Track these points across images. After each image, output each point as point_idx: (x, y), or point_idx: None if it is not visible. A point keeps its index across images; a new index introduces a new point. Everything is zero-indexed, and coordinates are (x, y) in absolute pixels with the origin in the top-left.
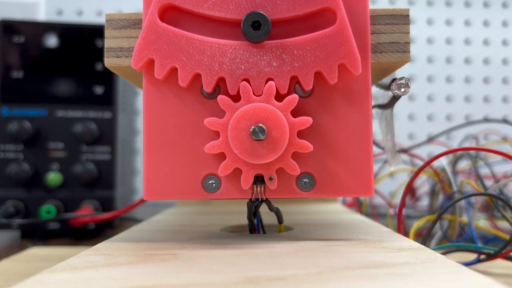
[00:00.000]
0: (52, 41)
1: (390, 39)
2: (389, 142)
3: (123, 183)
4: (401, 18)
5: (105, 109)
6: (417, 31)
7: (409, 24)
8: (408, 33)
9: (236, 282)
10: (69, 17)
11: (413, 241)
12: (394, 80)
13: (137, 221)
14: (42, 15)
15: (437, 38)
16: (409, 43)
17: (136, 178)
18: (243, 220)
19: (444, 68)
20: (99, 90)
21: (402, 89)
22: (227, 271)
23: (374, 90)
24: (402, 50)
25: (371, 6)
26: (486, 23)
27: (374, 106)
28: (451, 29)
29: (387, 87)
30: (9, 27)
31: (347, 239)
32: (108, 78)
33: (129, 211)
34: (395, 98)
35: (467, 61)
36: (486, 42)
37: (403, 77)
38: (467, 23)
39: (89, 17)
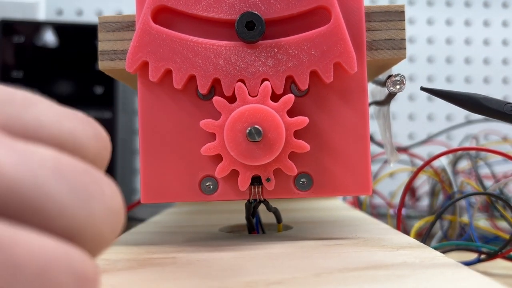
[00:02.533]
0: (51, 40)
1: (385, 36)
2: (387, 139)
3: (122, 183)
4: (396, 15)
5: (105, 109)
6: (417, 31)
7: (404, 20)
8: (404, 29)
9: (234, 287)
10: (69, 17)
11: (412, 238)
12: (389, 77)
13: (137, 220)
14: (42, 15)
15: (437, 38)
16: (404, 39)
17: (136, 178)
18: (242, 219)
19: (444, 68)
20: (99, 90)
21: (398, 86)
22: (226, 276)
23: (372, 87)
24: (397, 47)
25: (366, 2)
26: (486, 23)
27: (371, 103)
28: (451, 29)
29: (383, 84)
30: (9, 27)
31: (346, 237)
32: (108, 78)
33: (129, 211)
34: (391, 95)
35: (467, 61)
36: (486, 42)
37: (398, 74)
38: (467, 23)
39: (89, 17)
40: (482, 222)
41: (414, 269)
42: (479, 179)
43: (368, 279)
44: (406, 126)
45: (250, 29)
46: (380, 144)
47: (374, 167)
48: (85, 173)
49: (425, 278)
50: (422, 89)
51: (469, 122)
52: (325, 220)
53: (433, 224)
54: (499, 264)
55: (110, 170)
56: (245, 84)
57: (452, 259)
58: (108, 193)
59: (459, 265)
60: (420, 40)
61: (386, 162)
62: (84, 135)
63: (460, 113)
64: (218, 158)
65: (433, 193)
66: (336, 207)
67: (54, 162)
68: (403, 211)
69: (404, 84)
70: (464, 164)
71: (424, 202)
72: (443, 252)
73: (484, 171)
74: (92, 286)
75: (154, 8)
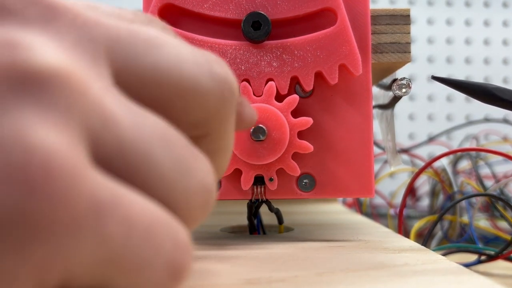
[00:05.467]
0: None
1: (390, 39)
2: (390, 142)
3: None
4: (402, 18)
5: None
6: (417, 30)
7: (409, 24)
8: (409, 33)
9: (236, 284)
10: None
11: (413, 241)
12: (395, 80)
13: None
14: None
15: (438, 38)
16: (409, 43)
17: None
18: (244, 220)
19: (444, 67)
20: None
21: (403, 90)
22: (227, 273)
23: (374, 90)
24: (402, 51)
25: (371, 6)
26: (486, 23)
27: (374, 106)
28: (452, 29)
29: (388, 88)
30: None
31: (347, 239)
32: None
33: None
34: (396, 99)
35: (467, 61)
36: (486, 42)
37: (404, 78)
38: (467, 23)
39: None
40: (482, 222)
41: (416, 270)
42: (480, 180)
43: (371, 279)
44: (406, 126)
45: (256, 29)
46: (380, 144)
47: (374, 167)
48: (186, 148)
49: (427, 279)
50: (434, 78)
51: (469, 122)
52: (326, 222)
53: (434, 225)
54: (499, 265)
55: None
56: (250, 84)
57: (453, 262)
58: (204, 170)
59: (460, 267)
60: (420, 40)
61: (386, 162)
62: (205, 80)
63: (460, 113)
64: None
65: (433, 193)
66: (337, 210)
67: (162, 131)
68: (403, 211)
69: (410, 87)
70: (464, 164)
71: (424, 202)
72: (444, 254)
73: (484, 171)
74: (185, 253)
75: (160, 6)
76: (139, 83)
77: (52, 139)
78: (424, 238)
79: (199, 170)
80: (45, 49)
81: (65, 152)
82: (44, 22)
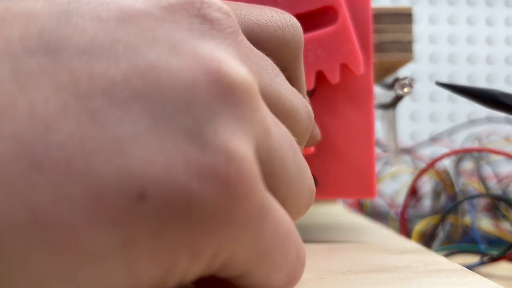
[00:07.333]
0: None
1: (393, 38)
2: (392, 142)
3: None
4: (404, 17)
5: None
6: (419, 29)
7: (412, 23)
8: (411, 32)
9: None
10: None
11: (416, 243)
12: (397, 79)
13: None
14: None
15: (440, 36)
16: (412, 42)
17: None
18: None
19: (447, 66)
20: None
21: (405, 89)
22: None
23: (376, 89)
24: (405, 49)
25: (373, 4)
26: (489, 21)
27: (376, 106)
28: (454, 27)
29: (390, 87)
30: None
31: (349, 241)
32: None
33: None
34: (398, 98)
35: (470, 59)
36: (489, 40)
37: (406, 77)
38: (470, 21)
39: None
40: (485, 223)
41: (418, 272)
42: (482, 180)
43: (372, 281)
44: (408, 125)
45: None
46: (381, 145)
47: (376, 168)
48: (302, 156)
49: (430, 281)
50: (438, 84)
51: (471, 122)
52: (327, 224)
53: (436, 226)
54: (502, 266)
55: None
56: None
57: (456, 263)
58: (309, 176)
59: (463, 269)
60: (423, 38)
61: (386, 163)
62: (303, 111)
63: (462, 113)
64: None
65: (435, 194)
66: (339, 212)
67: (291, 141)
68: (405, 212)
69: (412, 87)
70: (466, 164)
71: (426, 202)
72: (446, 255)
73: (486, 171)
74: (302, 266)
75: None
76: (269, 101)
77: (244, 147)
78: (426, 239)
79: (309, 175)
80: (239, 64)
81: (251, 160)
82: (230, 36)
